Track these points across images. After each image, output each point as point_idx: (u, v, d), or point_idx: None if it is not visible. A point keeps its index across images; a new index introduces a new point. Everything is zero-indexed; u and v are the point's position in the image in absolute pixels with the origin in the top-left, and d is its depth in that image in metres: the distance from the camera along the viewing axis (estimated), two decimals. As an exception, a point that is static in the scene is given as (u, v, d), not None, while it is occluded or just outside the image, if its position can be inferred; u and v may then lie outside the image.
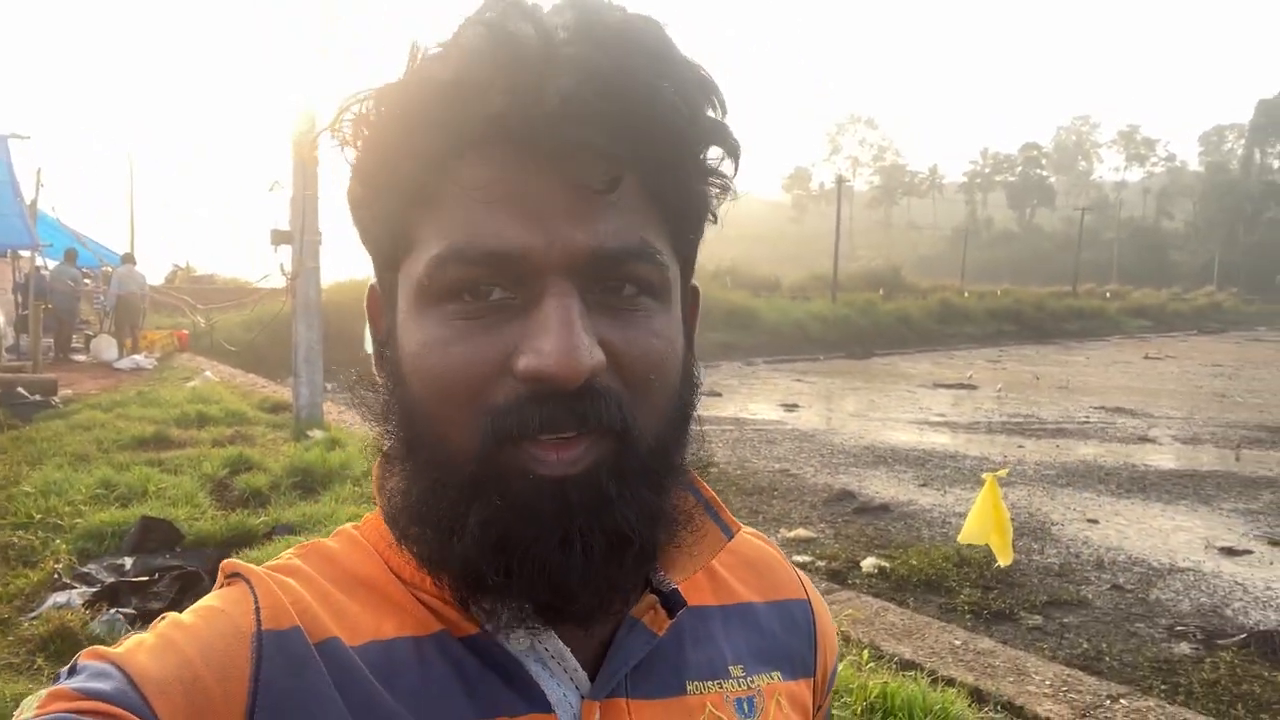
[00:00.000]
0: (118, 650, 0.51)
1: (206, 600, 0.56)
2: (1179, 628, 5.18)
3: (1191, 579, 6.12)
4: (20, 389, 9.98)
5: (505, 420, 0.51)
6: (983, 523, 1.57)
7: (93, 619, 3.94)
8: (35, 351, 13.27)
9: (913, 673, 3.58)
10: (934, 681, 3.49)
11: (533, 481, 0.51)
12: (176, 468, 6.80)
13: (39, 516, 5.42)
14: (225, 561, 0.60)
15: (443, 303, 0.53)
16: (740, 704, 0.62)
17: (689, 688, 0.61)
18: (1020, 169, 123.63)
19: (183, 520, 5.39)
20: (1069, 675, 3.71)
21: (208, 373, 13.69)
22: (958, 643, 3.95)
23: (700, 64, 0.55)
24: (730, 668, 0.63)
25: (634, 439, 0.53)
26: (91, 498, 5.81)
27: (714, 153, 0.57)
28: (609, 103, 0.50)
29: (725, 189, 0.59)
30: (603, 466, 0.52)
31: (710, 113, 0.55)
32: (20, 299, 14.92)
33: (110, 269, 18.25)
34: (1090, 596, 5.69)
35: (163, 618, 0.55)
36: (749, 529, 0.74)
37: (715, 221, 0.61)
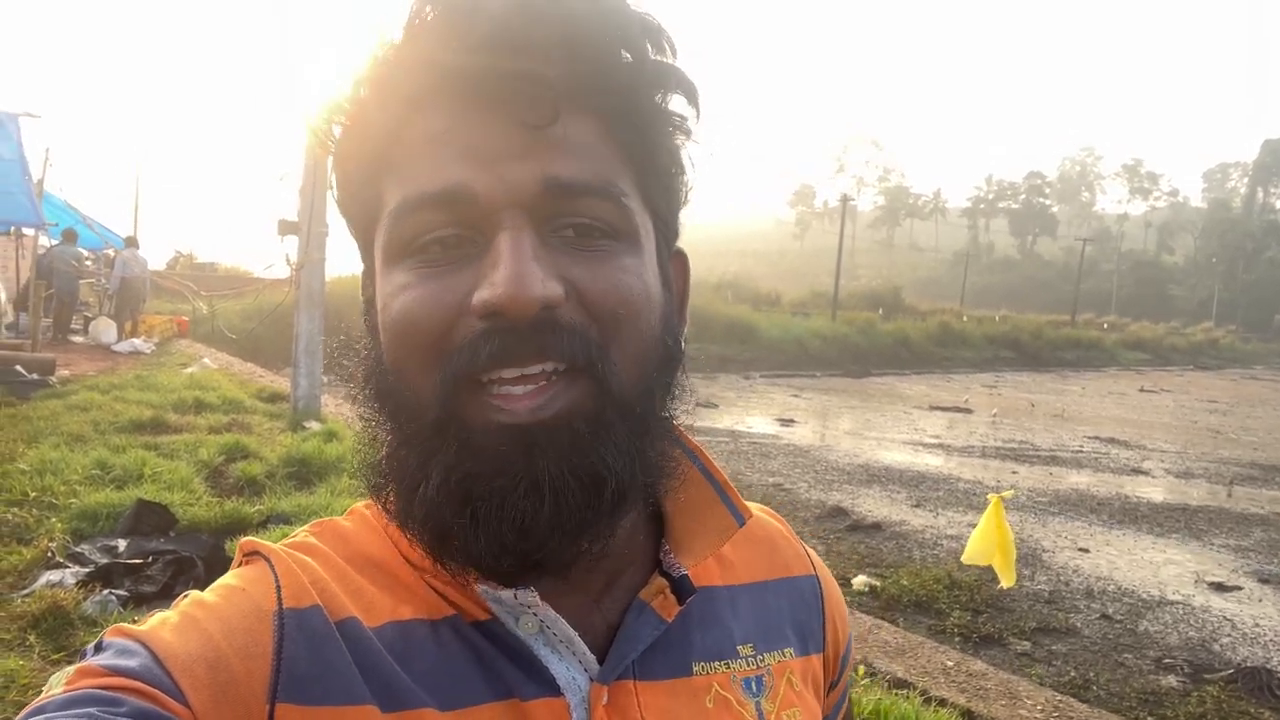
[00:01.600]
0: (143, 628, 0.51)
1: (227, 579, 0.56)
2: (1167, 660, 5.18)
3: (1181, 612, 6.12)
4: (18, 367, 9.95)
5: (459, 358, 0.51)
6: (986, 543, 1.56)
7: (85, 599, 3.93)
8: (35, 330, 13.23)
9: (905, 691, 3.58)
10: (926, 701, 3.50)
11: (495, 428, 0.51)
12: (173, 452, 6.78)
13: (34, 494, 5.39)
14: (244, 540, 0.60)
15: (407, 256, 0.54)
16: (748, 683, 0.62)
17: (695, 669, 0.61)
18: (1024, 197, 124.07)
19: (177, 505, 5.36)
20: (1060, 701, 3.71)
21: (206, 360, 13.66)
22: (950, 664, 3.96)
23: (646, 9, 0.55)
24: (739, 648, 0.64)
25: (607, 376, 0.52)
26: (87, 478, 5.79)
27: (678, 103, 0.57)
28: (541, 33, 0.50)
29: (687, 133, 0.58)
30: (577, 412, 0.52)
31: (659, 57, 0.55)
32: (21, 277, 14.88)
33: (113, 251, 18.23)
34: (1079, 625, 5.70)
35: (185, 596, 0.55)
36: (757, 505, 0.74)
37: (684, 171, 0.60)
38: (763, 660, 0.64)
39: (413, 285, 0.53)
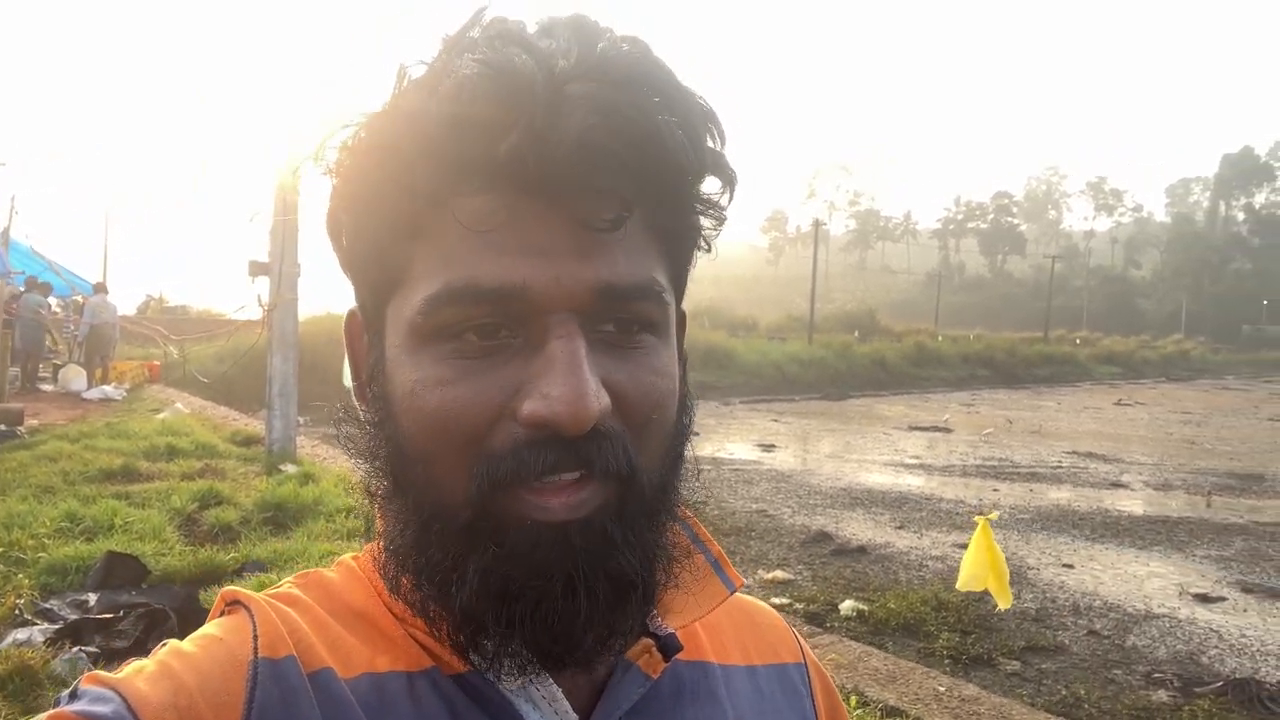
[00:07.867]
0: (118, 676, 0.51)
1: (207, 629, 0.56)
2: (1156, 675, 5.16)
3: (1167, 625, 6.12)
4: (-16, 418, 9.77)
5: (501, 466, 0.49)
6: (979, 567, 1.53)
7: (54, 657, 3.80)
8: (1, 381, 13.01)
9: None
10: (918, 728, 3.45)
11: (531, 528, 0.50)
12: (144, 501, 6.65)
13: (0, 550, 5.26)
14: (226, 590, 0.59)
15: (439, 341, 0.51)
16: None
17: None
18: (992, 216, 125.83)
19: (149, 556, 5.24)
20: (1052, 723, 3.68)
21: (179, 404, 13.47)
22: (941, 689, 3.91)
23: (699, 93, 0.53)
24: None
25: (638, 481, 0.52)
26: (56, 531, 5.65)
27: (711, 183, 0.56)
28: (621, 143, 0.48)
29: (721, 220, 0.57)
30: (607, 511, 0.51)
31: (710, 144, 0.54)
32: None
33: (83, 298, 18.02)
34: (1067, 642, 5.68)
35: (164, 644, 0.55)
36: (752, 599, 0.74)
37: (709, 250, 0.59)
38: None
39: (449, 380, 0.50)
